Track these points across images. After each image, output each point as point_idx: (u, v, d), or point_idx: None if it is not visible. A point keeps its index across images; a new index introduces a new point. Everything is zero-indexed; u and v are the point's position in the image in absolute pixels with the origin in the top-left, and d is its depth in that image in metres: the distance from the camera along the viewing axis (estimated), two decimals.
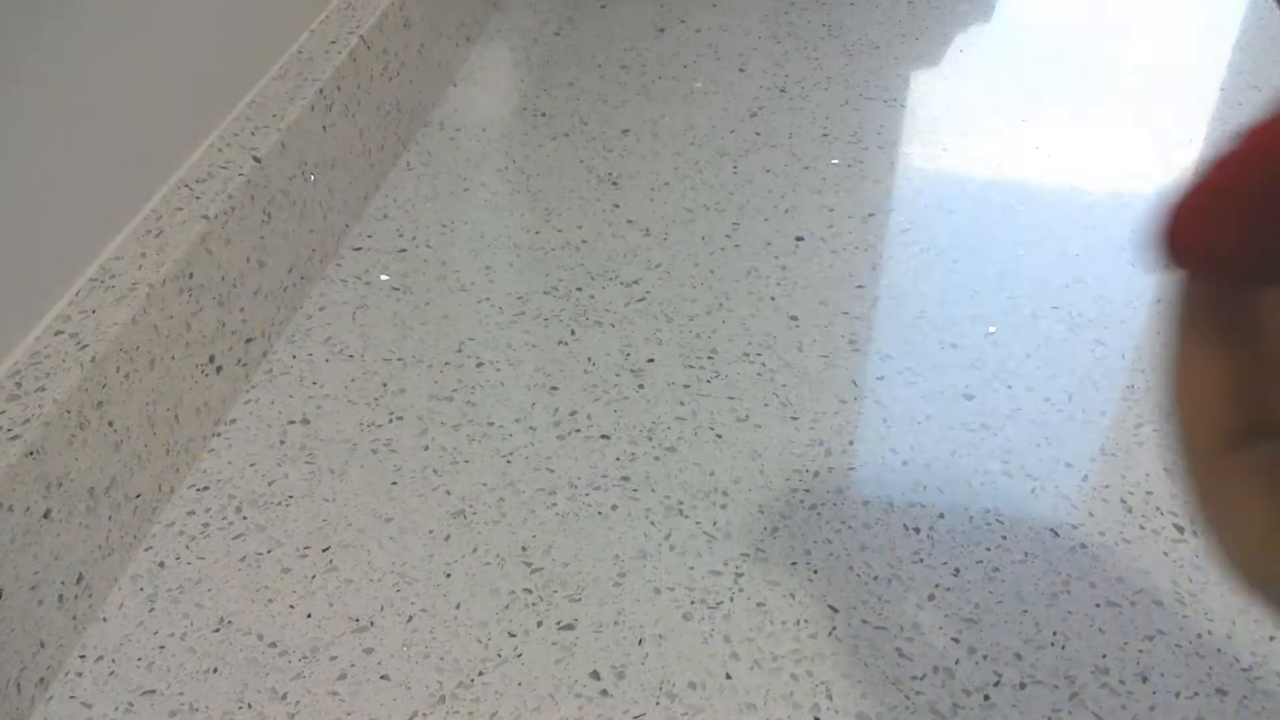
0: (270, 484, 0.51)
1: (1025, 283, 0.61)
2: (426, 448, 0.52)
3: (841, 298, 0.60)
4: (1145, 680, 0.41)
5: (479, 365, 0.57)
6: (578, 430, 0.53)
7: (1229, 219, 0.20)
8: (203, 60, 0.55)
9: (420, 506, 0.49)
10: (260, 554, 0.47)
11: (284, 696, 0.42)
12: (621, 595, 0.45)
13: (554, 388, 0.55)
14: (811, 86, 0.79)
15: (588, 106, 0.78)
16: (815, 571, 0.46)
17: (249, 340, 0.56)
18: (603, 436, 0.52)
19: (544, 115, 0.77)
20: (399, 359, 0.57)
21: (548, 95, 0.79)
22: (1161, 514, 0.47)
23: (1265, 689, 0.41)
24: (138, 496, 0.47)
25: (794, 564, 0.46)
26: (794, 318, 0.58)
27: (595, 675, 0.42)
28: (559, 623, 0.44)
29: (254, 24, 0.60)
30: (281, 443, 0.53)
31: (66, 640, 0.43)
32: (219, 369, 0.53)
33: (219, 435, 0.53)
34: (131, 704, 0.42)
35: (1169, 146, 0.72)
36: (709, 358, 0.56)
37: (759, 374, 0.55)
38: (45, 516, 0.41)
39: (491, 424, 0.53)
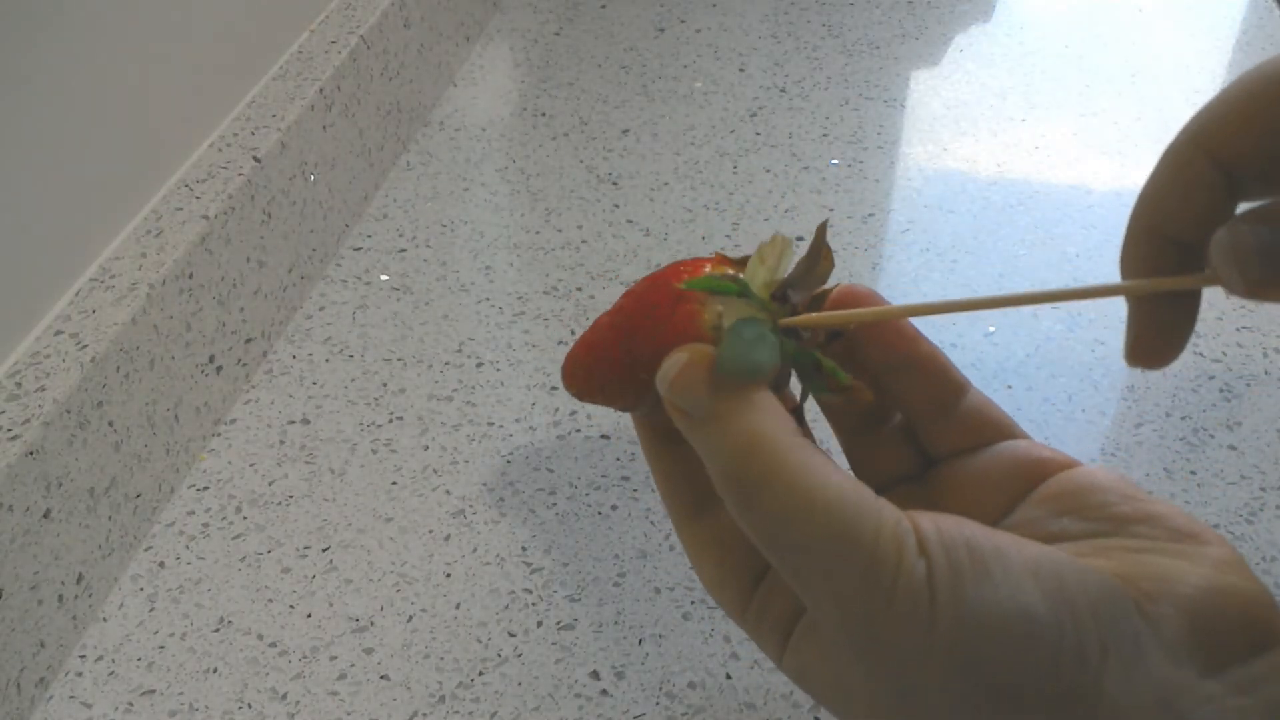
0: (270, 484, 0.51)
1: (1025, 283, 0.61)
2: (426, 448, 0.52)
3: None
4: None
5: (479, 365, 0.57)
6: (578, 430, 0.53)
7: (595, 372, 0.27)
8: (203, 60, 0.55)
9: (420, 506, 0.49)
10: (260, 554, 0.47)
11: (284, 696, 0.42)
12: (621, 595, 0.45)
13: (554, 388, 0.55)
14: (811, 86, 0.79)
15: (588, 106, 0.78)
16: None
17: (249, 340, 0.56)
18: (603, 436, 0.52)
19: (544, 115, 0.77)
20: (399, 359, 0.57)
21: (548, 95, 0.79)
22: None
23: None
24: (138, 496, 0.47)
25: None
26: None
27: (595, 675, 0.42)
28: (559, 623, 0.44)
29: (254, 24, 0.60)
30: (281, 443, 0.53)
31: (66, 640, 0.43)
32: (219, 369, 0.53)
33: (219, 435, 0.53)
34: (131, 704, 0.42)
35: None
36: None
37: None
38: (45, 516, 0.41)
39: (491, 424, 0.53)
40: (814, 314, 0.26)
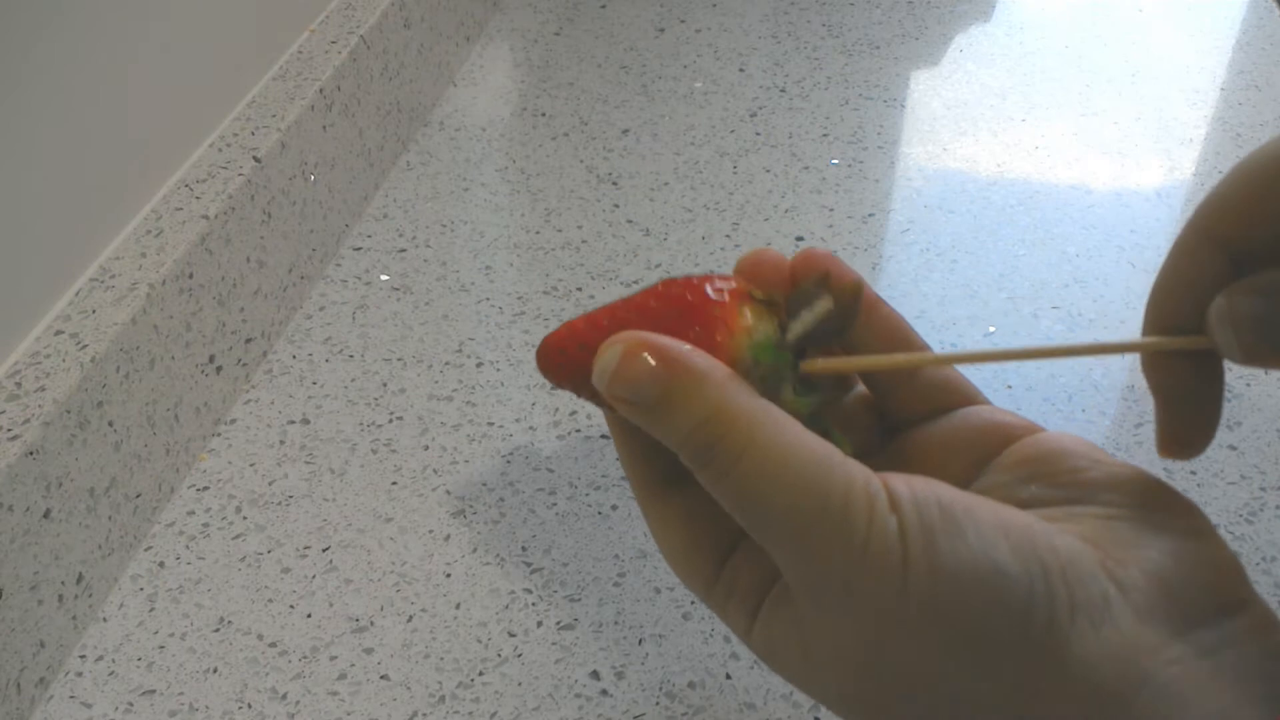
0: (270, 484, 0.51)
1: (1025, 283, 0.61)
2: (426, 448, 0.52)
3: None
4: None
5: (479, 365, 0.57)
6: (578, 430, 0.53)
7: (565, 366, 0.27)
8: (203, 60, 0.55)
9: (420, 506, 0.49)
10: (260, 554, 0.47)
11: (284, 696, 0.42)
12: (621, 595, 0.45)
13: (554, 388, 0.55)
14: (811, 86, 0.79)
15: (588, 106, 0.78)
16: None
17: (249, 340, 0.56)
18: (603, 436, 0.52)
19: (544, 115, 0.77)
20: (399, 359, 0.57)
21: (548, 95, 0.79)
22: None
23: None
24: (138, 496, 0.47)
25: None
26: None
27: (595, 675, 0.42)
28: (559, 623, 0.44)
29: (254, 24, 0.60)
30: (281, 443, 0.53)
31: (66, 640, 0.43)
32: (219, 369, 0.53)
33: (219, 435, 0.53)
34: (131, 704, 0.42)
35: (1169, 146, 0.72)
36: None
37: None
38: (45, 516, 0.41)
39: (491, 424, 0.53)
40: (835, 360, 0.26)
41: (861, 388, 0.30)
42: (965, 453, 0.27)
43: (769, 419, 0.23)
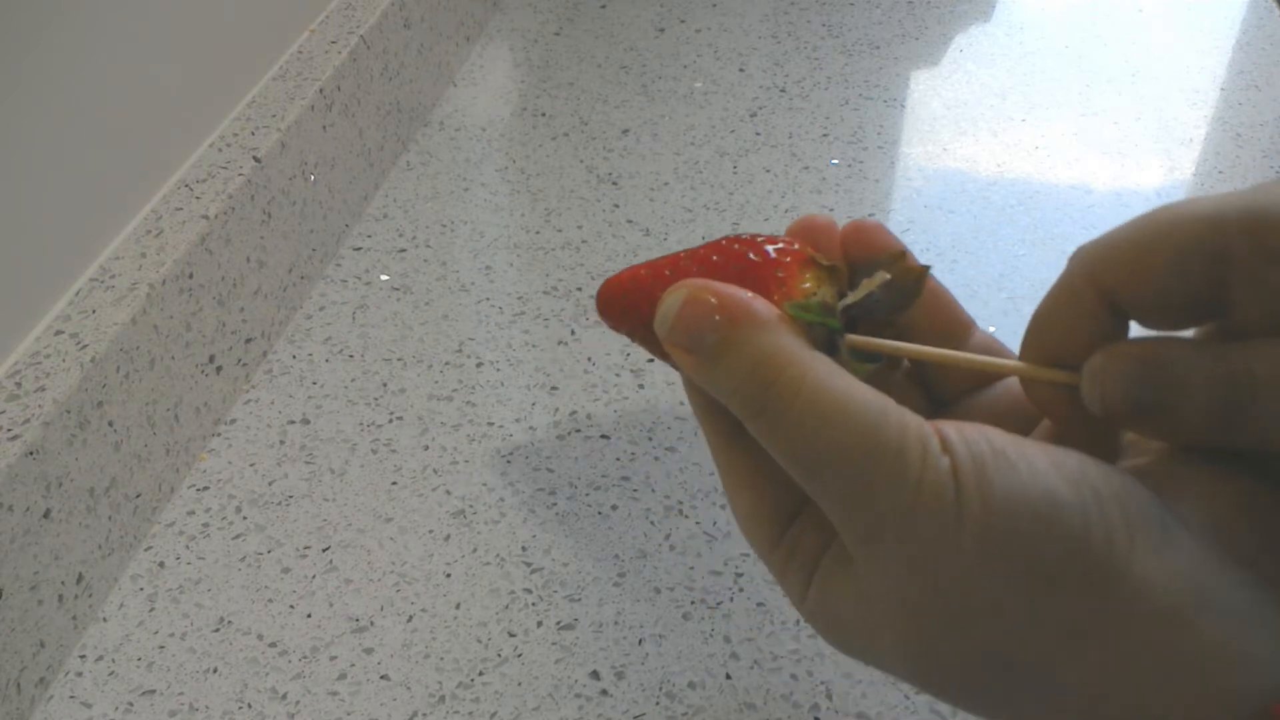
0: (270, 484, 0.51)
1: (1025, 283, 0.61)
2: (426, 448, 0.52)
3: None
4: None
5: (479, 365, 0.57)
6: (578, 430, 0.53)
7: (627, 309, 0.28)
8: (203, 60, 0.55)
9: (420, 506, 0.49)
10: (260, 554, 0.47)
11: (284, 696, 0.42)
12: (621, 595, 0.45)
13: (554, 388, 0.55)
14: (811, 86, 0.79)
15: (588, 106, 0.78)
16: None
17: (249, 340, 0.56)
18: (603, 436, 0.52)
19: (544, 115, 0.77)
20: (399, 359, 0.57)
21: (548, 95, 0.79)
22: None
23: None
24: (138, 496, 0.47)
25: None
26: None
27: (595, 675, 0.42)
28: (559, 623, 0.44)
29: (254, 24, 0.60)
30: (281, 443, 0.53)
31: (66, 640, 0.43)
32: (219, 369, 0.53)
33: (219, 435, 0.53)
34: (131, 704, 0.42)
35: (1169, 146, 0.72)
36: None
37: None
38: (45, 516, 0.41)
39: (491, 424, 0.53)
40: (881, 341, 0.27)
41: (906, 362, 0.30)
42: (1010, 422, 0.27)
43: (822, 366, 0.24)
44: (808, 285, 0.26)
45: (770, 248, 0.27)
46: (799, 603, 0.26)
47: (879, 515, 0.23)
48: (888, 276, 0.26)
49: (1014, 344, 0.29)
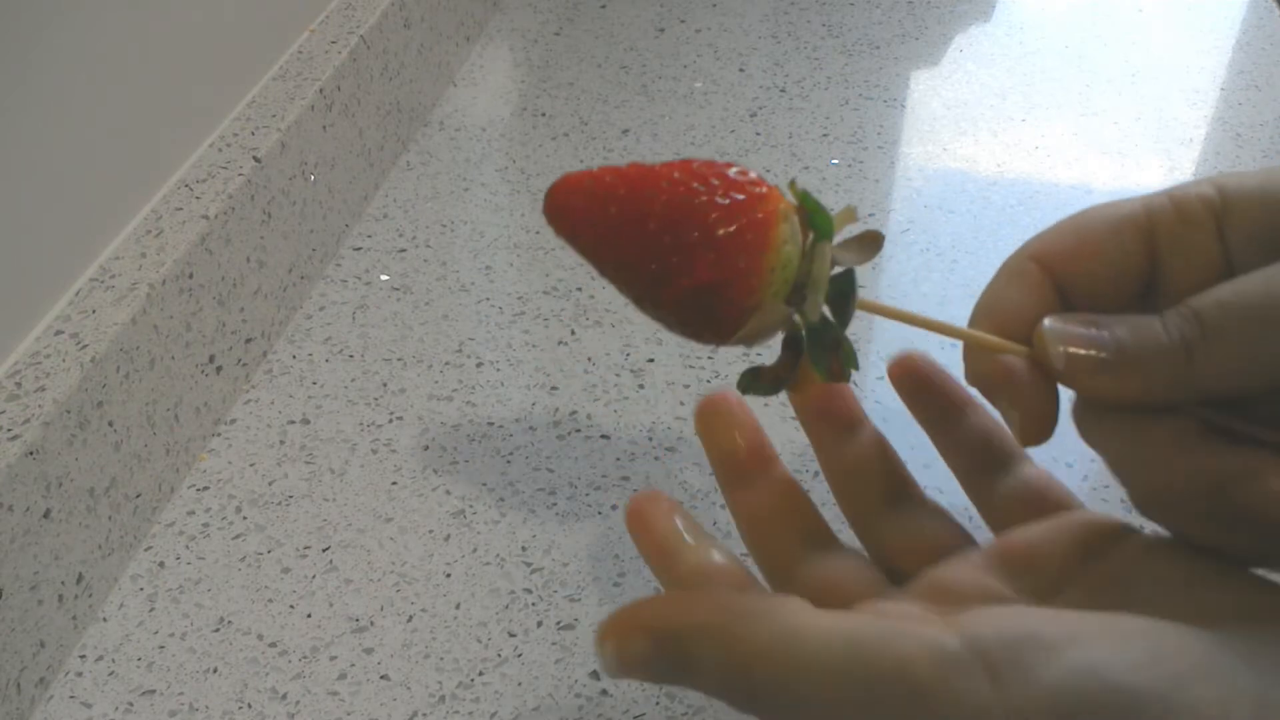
0: (270, 484, 0.51)
1: None
2: (426, 448, 0.52)
3: None
4: None
5: (479, 365, 0.57)
6: (578, 430, 0.53)
7: (597, 207, 0.26)
8: (203, 60, 0.55)
9: (420, 506, 0.49)
10: (260, 554, 0.47)
11: (284, 696, 0.42)
12: (621, 595, 0.45)
13: (554, 388, 0.55)
14: (811, 86, 0.79)
15: (588, 106, 0.78)
16: None
17: (249, 340, 0.56)
18: (603, 436, 0.52)
19: (544, 115, 0.77)
20: (399, 359, 0.57)
21: (548, 95, 0.79)
22: None
23: None
24: (138, 496, 0.47)
25: None
26: None
27: (595, 675, 0.42)
28: (559, 623, 0.44)
29: (254, 24, 0.60)
30: (281, 443, 0.53)
31: (66, 640, 0.43)
32: (219, 369, 0.53)
33: (219, 435, 0.53)
34: (131, 704, 0.42)
35: (1169, 146, 0.72)
36: (709, 358, 0.56)
37: None
38: (45, 516, 0.41)
39: (491, 424, 0.53)
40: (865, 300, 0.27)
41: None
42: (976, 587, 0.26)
43: (780, 622, 0.22)
44: (786, 246, 0.26)
45: (739, 194, 0.26)
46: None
47: None
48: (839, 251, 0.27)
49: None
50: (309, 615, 0.45)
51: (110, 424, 0.45)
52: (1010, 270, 0.28)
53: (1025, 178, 0.70)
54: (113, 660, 0.43)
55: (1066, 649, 0.20)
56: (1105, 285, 0.27)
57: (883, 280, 0.61)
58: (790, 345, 0.28)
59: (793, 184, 0.27)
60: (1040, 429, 0.27)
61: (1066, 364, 0.25)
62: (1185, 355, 0.24)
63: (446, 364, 0.57)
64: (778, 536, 0.29)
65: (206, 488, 0.51)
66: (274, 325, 0.58)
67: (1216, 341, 0.23)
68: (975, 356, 0.27)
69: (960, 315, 0.30)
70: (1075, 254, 0.27)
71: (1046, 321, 0.26)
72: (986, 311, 0.28)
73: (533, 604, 0.45)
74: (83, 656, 0.44)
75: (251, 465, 0.52)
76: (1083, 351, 0.25)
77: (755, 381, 0.28)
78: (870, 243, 0.27)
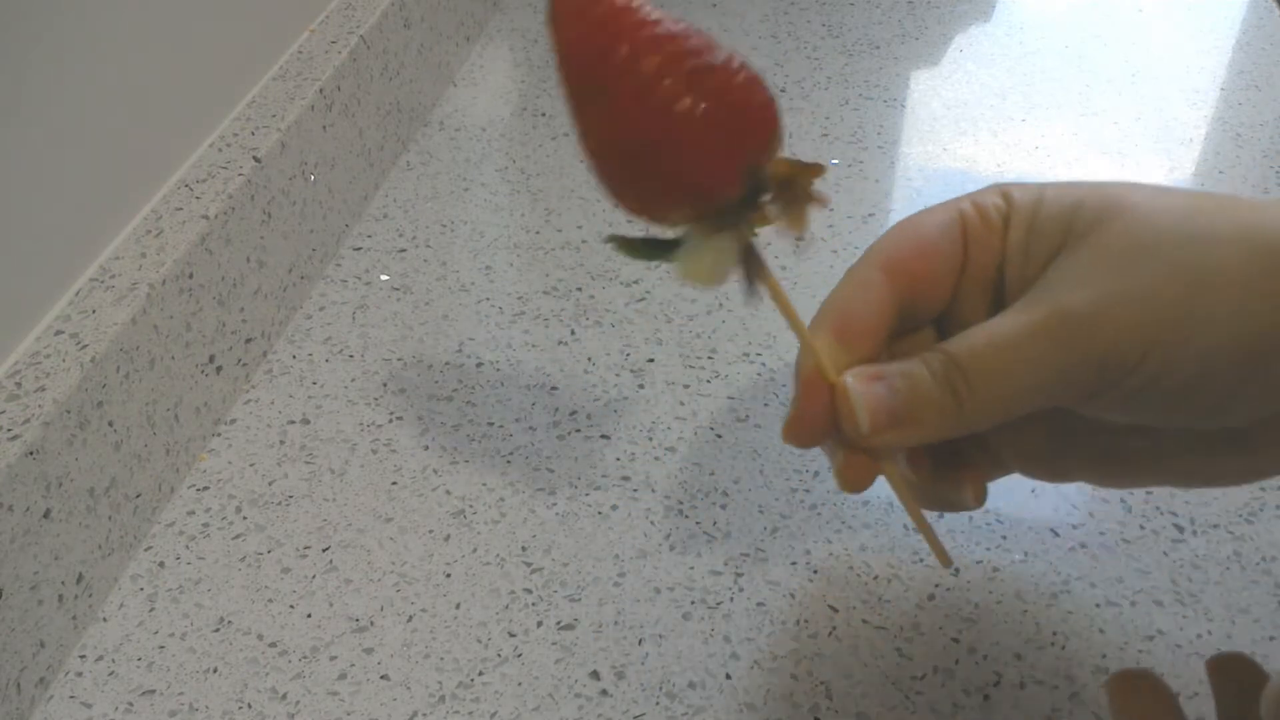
0: (270, 484, 0.51)
1: None
2: (426, 448, 0.52)
3: None
4: None
5: (479, 365, 0.57)
6: (578, 430, 0.53)
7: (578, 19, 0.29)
8: (203, 60, 0.55)
9: (420, 506, 0.49)
10: (260, 554, 0.47)
11: (284, 696, 0.42)
12: (621, 595, 0.45)
13: (554, 388, 0.55)
14: (811, 86, 0.79)
15: None
16: (815, 571, 0.46)
17: (249, 340, 0.56)
18: (603, 436, 0.52)
19: (544, 115, 0.77)
20: (399, 359, 0.57)
21: (548, 95, 0.79)
22: (1161, 514, 0.47)
23: None
24: (138, 496, 0.47)
25: (794, 564, 0.46)
26: None
27: (595, 675, 0.42)
28: (559, 623, 0.44)
29: (254, 24, 0.60)
30: (281, 443, 0.53)
31: (66, 640, 0.43)
32: (219, 369, 0.53)
33: (219, 435, 0.53)
34: (131, 704, 0.42)
35: (1169, 146, 0.72)
36: (709, 358, 0.56)
37: (759, 374, 0.55)
38: (45, 516, 0.41)
39: (491, 424, 0.53)
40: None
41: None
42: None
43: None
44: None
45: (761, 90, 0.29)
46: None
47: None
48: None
49: None
50: (309, 615, 0.45)
51: (110, 424, 0.45)
52: (857, 280, 0.31)
53: (1025, 178, 0.70)
54: (113, 660, 0.43)
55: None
56: (942, 280, 0.31)
57: None
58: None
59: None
60: (858, 480, 0.33)
61: (870, 426, 0.29)
62: (956, 405, 0.28)
63: (446, 364, 0.57)
64: None
65: (206, 488, 0.51)
66: (274, 325, 0.58)
67: (980, 388, 0.28)
68: (807, 358, 0.31)
69: None
70: (917, 255, 0.31)
71: (849, 380, 0.30)
72: (833, 315, 0.31)
73: (533, 604, 0.45)
74: (83, 656, 0.44)
75: (251, 465, 0.52)
76: (881, 415, 0.29)
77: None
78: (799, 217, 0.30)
